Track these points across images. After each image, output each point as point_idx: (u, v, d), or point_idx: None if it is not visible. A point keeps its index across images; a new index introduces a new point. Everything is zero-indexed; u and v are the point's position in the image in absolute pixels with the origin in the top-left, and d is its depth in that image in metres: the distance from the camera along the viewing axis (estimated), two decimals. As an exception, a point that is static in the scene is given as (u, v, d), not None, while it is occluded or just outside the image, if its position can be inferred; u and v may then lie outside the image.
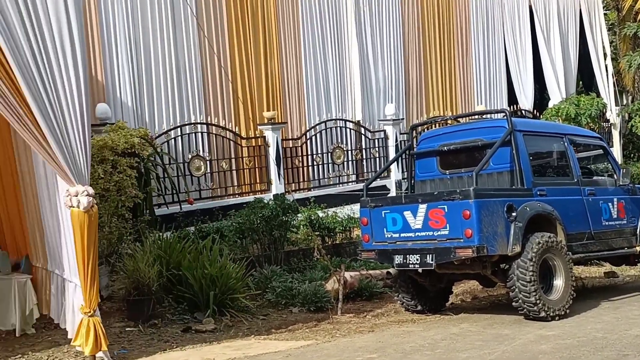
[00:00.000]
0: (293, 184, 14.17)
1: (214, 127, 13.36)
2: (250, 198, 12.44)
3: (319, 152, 14.82)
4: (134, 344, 7.25)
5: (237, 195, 13.33)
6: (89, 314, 6.30)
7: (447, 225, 7.61)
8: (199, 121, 13.19)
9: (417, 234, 7.88)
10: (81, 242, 6.19)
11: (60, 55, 5.84)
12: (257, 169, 13.71)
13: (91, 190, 6.21)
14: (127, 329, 7.80)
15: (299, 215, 11.66)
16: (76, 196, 6.13)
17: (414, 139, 9.68)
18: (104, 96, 12.07)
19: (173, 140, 12.66)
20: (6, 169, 8.12)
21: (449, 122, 10.52)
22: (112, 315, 8.19)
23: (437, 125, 12.03)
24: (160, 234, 9.60)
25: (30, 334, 7.51)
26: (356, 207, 11.83)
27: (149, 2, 12.69)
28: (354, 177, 15.49)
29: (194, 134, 13.08)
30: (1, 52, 5.67)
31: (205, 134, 13.25)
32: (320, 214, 12.09)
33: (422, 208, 7.80)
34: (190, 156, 12.79)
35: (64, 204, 6.30)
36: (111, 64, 12.34)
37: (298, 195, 12.98)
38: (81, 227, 6.17)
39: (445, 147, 8.82)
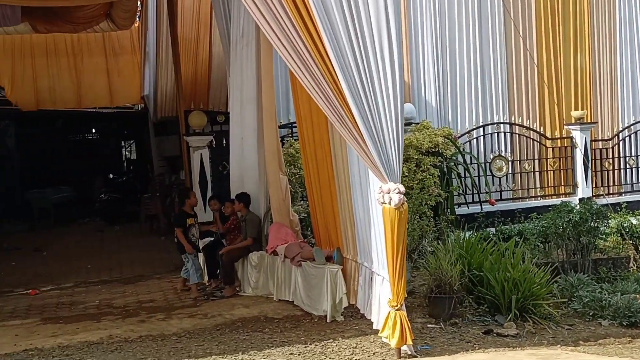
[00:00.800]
0: (601, 188, 13.28)
1: (517, 127, 13.04)
2: (553, 201, 11.93)
3: (634, 154, 13.70)
4: (436, 341, 7.29)
5: (539, 198, 12.88)
6: (396, 308, 6.47)
7: None
8: (502, 121, 12.97)
9: None
10: (391, 237, 6.39)
11: (379, 58, 6.06)
12: (562, 171, 13.09)
13: (402, 188, 6.36)
14: (428, 325, 7.87)
15: (609, 221, 10.85)
16: (388, 193, 6.34)
17: None
18: (410, 96, 12.41)
19: (475, 140, 12.61)
20: (323, 167, 8.67)
21: None
22: (413, 311, 8.34)
23: None
24: (461, 233, 9.57)
25: (339, 321, 7.91)
26: (677, 215, 10.72)
27: (456, 3, 12.75)
28: (673, 183, 14.09)
29: (496, 134, 12.90)
30: (327, 58, 6.06)
31: (508, 133, 13.00)
32: (634, 221, 11.15)
33: None
34: (492, 156, 12.63)
35: (376, 200, 6.55)
36: (417, 65, 12.65)
37: (607, 200, 12.11)
38: (392, 223, 6.36)
39: None
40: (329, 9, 5.99)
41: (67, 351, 7.27)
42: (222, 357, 6.80)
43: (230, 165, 10.91)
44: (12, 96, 18.67)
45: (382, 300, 7.05)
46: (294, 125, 11.98)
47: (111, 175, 21.20)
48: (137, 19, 17.36)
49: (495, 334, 7.71)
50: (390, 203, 6.35)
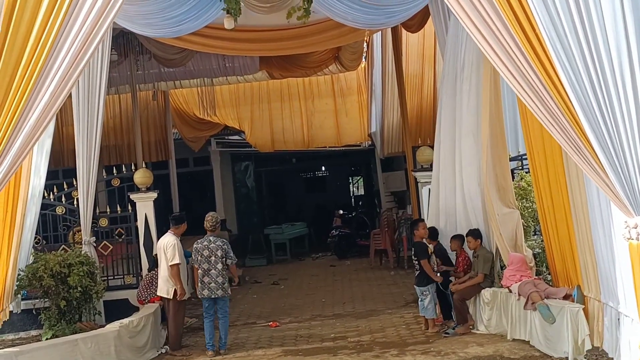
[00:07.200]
0: None
1: None
2: None
3: None
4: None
5: None
6: (652, 353, 5.94)
7: None
8: None
9: None
10: (640, 276, 5.89)
11: (619, 84, 5.65)
12: None
13: (653, 222, 5.85)
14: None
15: None
16: (635, 228, 5.86)
17: None
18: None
19: None
20: (558, 199, 8.26)
21: None
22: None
23: None
24: None
25: (580, 364, 7.44)
26: None
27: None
28: None
29: None
30: (562, 86, 5.80)
31: None
32: None
33: None
34: None
35: (622, 235, 6.09)
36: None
37: None
38: (640, 261, 5.88)
39: None
40: (561, 35, 5.73)
41: (308, 383, 7.57)
42: (459, 397, 6.67)
43: (431, 198, 10.85)
44: (251, 138, 20.22)
45: (633, 343, 6.50)
46: (524, 157, 11.59)
47: (341, 211, 21.97)
48: (364, 60, 18.01)
49: None
50: (637, 239, 5.86)
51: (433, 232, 10.18)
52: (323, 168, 29.02)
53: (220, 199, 21.12)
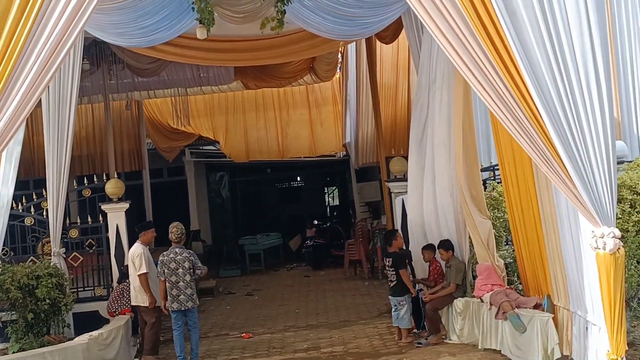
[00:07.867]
0: None
1: None
2: None
3: None
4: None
5: None
6: (615, 361, 6.00)
7: None
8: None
9: None
10: (607, 285, 5.95)
11: (585, 95, 5.75)
12: None
13: (617, 232, 5.93)
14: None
15: None
16: (602, 238, 5.94)
17: None
18: (620, 133, 11.64)
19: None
20: (528, 210, 8.33)
21: None
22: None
23: None
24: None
25: (552, 373, 7.49)
26: None
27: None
28: None
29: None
30: (530, 97, 5.86)
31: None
32: None
33: None
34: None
35: (589, 245, 6.16)
36: (627, 99, 11.86)
37: None
38: (607, 270, 5.93)
39: None
40: (529, 47, 5.81)
41: (278, 395, 7.54)
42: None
43: (408, 208, 10.89)
44: (226, 148, 20.17)
45: (600, 352, 6.55)
46: (496, 167, 11.68)
47: (316, 222, 21.96)
48: (338, 70, 18.07)
49: None
50: (604, 248, 5.93)
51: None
52: (298, 178, 28.99)
53: (194, 209, 21.00)
